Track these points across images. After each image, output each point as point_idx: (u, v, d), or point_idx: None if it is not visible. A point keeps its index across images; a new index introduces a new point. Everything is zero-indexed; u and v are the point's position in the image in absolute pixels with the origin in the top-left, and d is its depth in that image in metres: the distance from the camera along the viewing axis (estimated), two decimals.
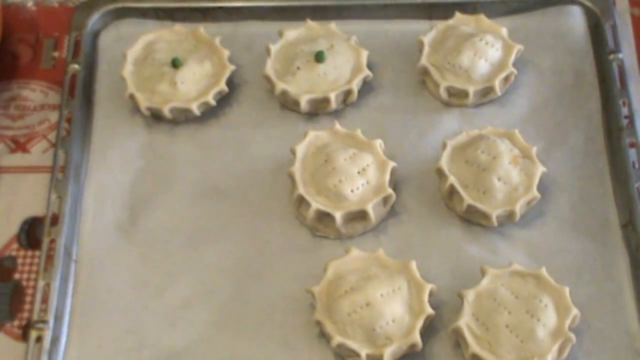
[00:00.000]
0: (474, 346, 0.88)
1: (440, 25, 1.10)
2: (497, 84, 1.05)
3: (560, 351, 0.88)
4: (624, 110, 1.05)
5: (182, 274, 0.97)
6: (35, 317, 0.94)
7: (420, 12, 1.15)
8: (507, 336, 0.88)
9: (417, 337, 0.88)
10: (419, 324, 0.89)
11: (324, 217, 0.97)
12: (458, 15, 1.11)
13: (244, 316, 0.94)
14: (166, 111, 1.05)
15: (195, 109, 1.05)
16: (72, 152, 1.03)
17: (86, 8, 1.14)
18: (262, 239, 0.99)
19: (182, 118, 1.07)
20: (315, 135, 1.02)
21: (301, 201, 0.98)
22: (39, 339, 0.92)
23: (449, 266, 0.96)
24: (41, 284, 0.95)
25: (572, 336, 0.88)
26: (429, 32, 1.10)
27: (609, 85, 1.08)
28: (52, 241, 0.98)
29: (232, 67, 1.07)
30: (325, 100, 1.06)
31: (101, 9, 1.14)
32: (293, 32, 1.10)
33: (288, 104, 1.08)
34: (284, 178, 1.00)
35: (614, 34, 1.11)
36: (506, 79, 1.07)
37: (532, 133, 1.05)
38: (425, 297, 0.90)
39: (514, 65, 1.06)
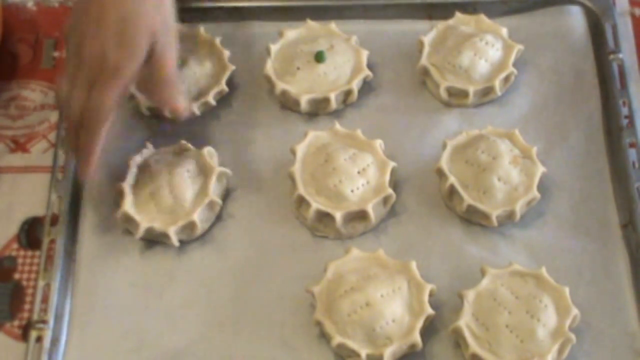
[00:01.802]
0: (474, 346, 0.88)
1: (440, 25, 1.10)
2: (497, 84, 1.05)
3: (560, 351, 0.88)
4: (624, 110, 1.05)
5: (182, 273, 0.97)
6: (35, 317, 0.94)
7: (420, 12, 1.15)
8: (507, 336, 0.88)
9: (417, 337, 0.88)
10: (419, 324, 0.89)
11: (324, 217, 0.97)
12: (458, 15, 1.11)
13: (244, 316, 0.94)
14: (166, 111, 1.05)
15: (195, 109, 1.05)
16: (72, 152, 1.03)
17: None
18: (262, 239, 0.99)
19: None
20: (315, 135, 1.02)
21: (301, 201, 0.98)
22: (39, 339, 0.92)
23: (449, 266, 0.96)
24: (41, 284, 0.95)
25: (572, 336, 0.88)
26: (429, 32, 1.10)
27: (609, 85, 1.08)
28: (52, 241, 0.98)
29: (232, 67, 1.07)
30: (325, 100, 1.06)
31: None
32: (293, 32, 1.10)
33: (288, 104, 1.08)
34: (284, 178, 1.00)
35: (614, 34, 1.11)
36: (506, 79, 1.07)
37: (532, 133, 1.04)
38: (425, 297, 0.90)
39: (514, 65, 1.06)
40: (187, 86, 1.06)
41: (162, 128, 1.07)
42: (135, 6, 0.89)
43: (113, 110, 0.90)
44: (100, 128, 0.90)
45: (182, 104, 0.94)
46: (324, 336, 0.91)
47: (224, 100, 1.08)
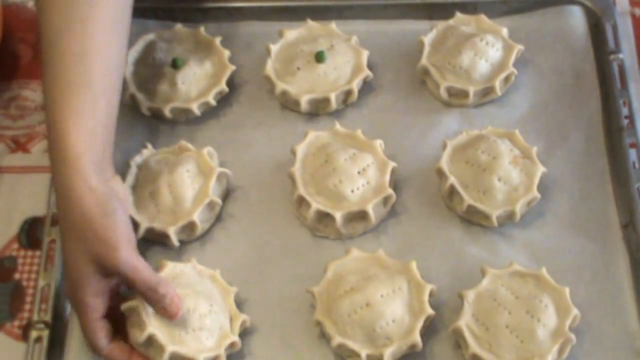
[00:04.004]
0: (474, 346, 0.88)
1: (440, 25, 1.10)
2: (497, 84, 1.05)
3: (561, 351, 0.88)
4: (624, 110, 1.06)
5: None
6: (35, 317, 0.94)
7: (421, 12, 1.15)
8: (507, 336, 0.88)
9: (417, 338, 0.88)
10: (419, 324, 0.89)
11: (324, 217, 0.97)
12: (458, 15, 1.11)
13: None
14: (166, 111, 1.05)
15: (195, 109, 1.05)
16: None
17: None
18: (262, 239, 0.99)
19: (182, 118, 1.07)
20: (315, 136, 1.02)
21: (301, 201, 0.98)
22: (39, 339, 0.92)
23: (449, 266, 0.96)
24: (41, 284, 0.95)
25: (572, 336, 0.87)
26: (429, 32, 1.10)
27: (609, 85, 1.08)
28: (52, 241, 0.98)
29: (232, 67, 1.07)
30: (326, 101, 1.06)
31: None
32: (293, 32, 1.10)
33: (288, 104, 1.08)
34: (284, 178, 1.00)
35: (614, 34, 1.12)
36: (506, 79, 1.07)
37: (532, 133, 1.04)
38: (426, 298, 0.90)
39: (514, 65, 1.06)
40: (188, 86, 1.06)
41: (162, 128, 1.07)
42: (66, 241, 0.87)
43: (99, 336, 0.87)
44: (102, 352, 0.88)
45: (172, 307, 0.86)
46: (324, 336, 0.91)
47: (224, 100, 1.08)
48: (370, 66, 1.08)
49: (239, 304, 0.94)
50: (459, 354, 0.91)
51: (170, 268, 0.92)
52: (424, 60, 1.08)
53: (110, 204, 0.86)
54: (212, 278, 0.93)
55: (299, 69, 1.06)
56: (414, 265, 0.92)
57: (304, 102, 1.05)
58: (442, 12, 1.13)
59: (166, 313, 0.86)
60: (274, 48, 1.09)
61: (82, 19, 0.88)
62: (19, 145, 1.09)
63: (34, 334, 0.93)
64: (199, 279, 0.93)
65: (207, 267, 0.94)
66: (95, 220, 0.84)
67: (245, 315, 0.91)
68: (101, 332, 0.87)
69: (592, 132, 1.06)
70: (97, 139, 0.88)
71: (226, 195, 1.02)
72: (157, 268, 0.91)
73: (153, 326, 0.87)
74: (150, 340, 0.87)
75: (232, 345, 0.90)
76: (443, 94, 1.07)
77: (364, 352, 0.88)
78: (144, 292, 0.86)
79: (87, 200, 0.85)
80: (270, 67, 1.07)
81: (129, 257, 0.85)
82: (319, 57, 1.06)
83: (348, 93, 1.07)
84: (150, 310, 0.87)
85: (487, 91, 1.06)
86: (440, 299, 0.93)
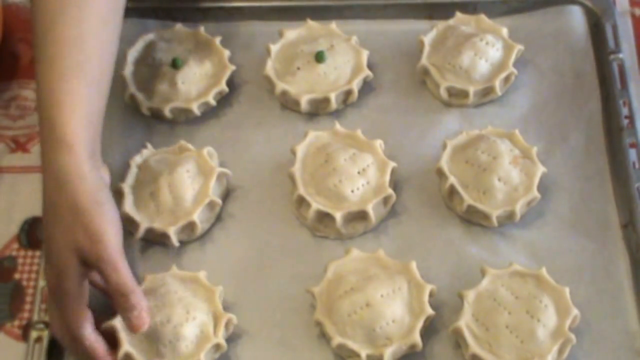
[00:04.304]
0: (474, 346, 0.88)
1: (440, 25, 1.10)
2: (497, 84, 1.05)
3: (560, 351, 0.88)
4: (624, 110, 1.06)
5: None
6: (35, 317, 0.94)
7: (421, 12, 1.15)
8: (507, 336, 0.88)
9: (417, 338, 0.88)
10: (419, 324, 0.88)
11: (324, 217, 0.97)
12: (458, 15, 1.11)
13: (243, 316, 0.94)
14: (166, 111, 1.05)
15: (195, 109, 1.05)
16: None
17: None
18: (262, 239, 0.99)
19: (182, 118, 1.07)
20: (315, 136, 1.02)
21: (301, 201, 0.98)
22: (39, 339, 0.92)
23: (449, 266, 0.96)
24: (41, 284, 0.95)
25: (572, 336, 0.87)
26: (429, 32, 1.10)
27: (609, 85, 1.08)
28: None
29: (232, 67, 1.07)
30: (326, 101, 1.06)
31: None
32: (293, 32, 1.10)
33: (288, 104, 1.08)
34: (284, 178, 1.00)
35: (615, 34, 1.12)
36: (506, 79, 1.07)
37: (532, 133, 1.04)
38: (426, 298, 0.90)
39: (514, 65, 1.06)
40: (188, 86, 1.06)
41: (161, 128, 1.07)
42: (50, 227, 0.85)
43: (84, 324, 0.85)
44: (85, 344, 0.86)
45: (138, 321, 0.85)
46: (324, 336, 0.91)
47: (224, 100, 1.08)
48: (370, 66, 1.08)
49: (239, 304, 0.94)
50: (459, 354, 0.91)
51: (149, 281, 0.92)
52: (424, 60, 1.08)
53: (100, 195, 0.85)
54: (195, 281, 0.93)
55: (299, 69, 1.06)
56: (414, 265, 0.92)
57: (304, 102, 1.05)
58: (442, 12, 1.13)
59: (129, 324, 0.85)
60: (274, 48, 1.09)
61: (78, 5, 0.88)
62: (19, 145, 1.09)
63: (34, 334, 0.93)
64: (179, 285, 0.92)
65: (203, 268, 0.94)
66: (85, 210, 0.83)
67: (231, 314, 0.91)
68: (86, 320, 0.85)
69: (592, 132, 1.06)
70: (91, 127, 0.87)
71: (226, 195, 1.02)
72: (140, 281, 0.91)
73: (129, 344, 0.87)
74: (127, 358, 0.87)
75: (216, 347, 0.90)
76: (443, 94, 1.07)
77: (364, 352, 0.88)
78: (116, 296, 0.85)
79: (79, 189, 0.84)
80: (270, 67, 1.07)
81: (112, 253, 0.83)
82: (319, 57, 1.06)
83: (348, 93, 1.07)
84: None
85: (487, 91, 1.06)
86: (440, 299, 0.93)
